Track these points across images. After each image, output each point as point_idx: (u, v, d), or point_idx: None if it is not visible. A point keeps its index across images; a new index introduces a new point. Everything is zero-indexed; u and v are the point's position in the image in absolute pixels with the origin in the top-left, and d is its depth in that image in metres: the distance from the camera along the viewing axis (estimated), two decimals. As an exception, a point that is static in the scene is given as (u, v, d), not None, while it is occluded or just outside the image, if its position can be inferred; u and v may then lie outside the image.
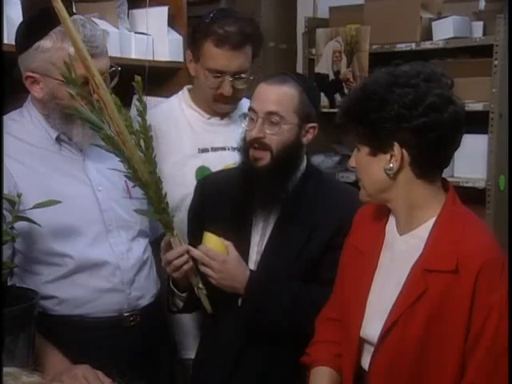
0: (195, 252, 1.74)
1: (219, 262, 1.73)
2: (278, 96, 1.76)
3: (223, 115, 2.21)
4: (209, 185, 1.96)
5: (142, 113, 1.64)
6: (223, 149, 2.18)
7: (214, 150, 2.17)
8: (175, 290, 1.86)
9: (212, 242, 1.76)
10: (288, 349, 1.76)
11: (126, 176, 1.69)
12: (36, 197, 1.58)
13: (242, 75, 2.10)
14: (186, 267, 1.75)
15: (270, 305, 1.76)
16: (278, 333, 1.77)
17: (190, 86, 2.28)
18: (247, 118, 1.81)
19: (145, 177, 1.65)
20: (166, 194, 1.71)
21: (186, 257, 1.74)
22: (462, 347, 1.38)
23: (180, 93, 2.26)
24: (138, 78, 1.64)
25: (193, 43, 2.13)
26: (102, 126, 1.62)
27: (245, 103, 2.24)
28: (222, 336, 1.86)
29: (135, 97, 2.53)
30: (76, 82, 1.59)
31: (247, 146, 1.81)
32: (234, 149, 2.16)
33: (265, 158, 1.78)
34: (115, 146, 1.62)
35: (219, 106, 2.18)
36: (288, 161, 1.81)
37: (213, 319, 1.87)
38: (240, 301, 1.79)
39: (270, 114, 1.76)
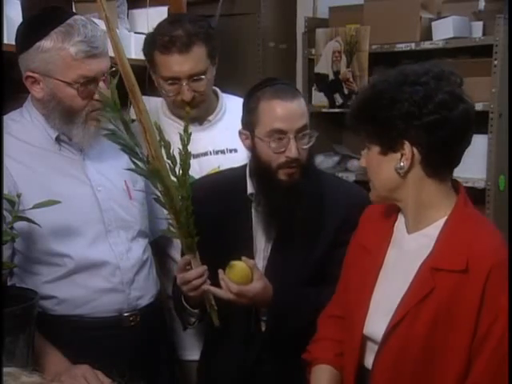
0: (226, 296, 1.70)
1: (249, 297, 1.72)
2: (300, 109, 1.75)
3: (201, 120, 2.18)
4: (202, 190, 1.92)
5: (185, 141, 1.67)
6: (205, 154, 2.15)
7: (195, 156, 2.12)
8: (188, 307, 1.85)
9: (238, 271, 1.72)
10: (300, 359, 1.72)
11: (155, 199, 1.71)
12: (36, 197, 1.58)
13: (201, 77, 2.05)
14: (203, 288, 1.74)
15: (293, 318, 1.77)
16: (296, 342, 1.75)
17: None
18: (271, 141, 1.74)
19: (177, 203, 1.67)
20: (194, 219, 1.70)
21: (204, 277, 1.74)
22: (468, 347, 1.37)
23: (159, 103, 2.22)
24: (188, 109, 1.71)
25: (146, 56, 2.11)
26: (136, 150, 1.64)
27: (227, 101, 2.23)
28: (234, 348, 1.87)
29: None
30: (116, 107, 1.60)
31: (275, 168, 1.76)
32: (216, 152, 2.15)
33: (296, 173, 1.77)
34: (153, 171, 1.64)
35: (184, 112, 2.12)
36: (311, 167, 1.81)
37: (224, 330, 1.85)
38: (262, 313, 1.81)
39: (301, 129, 1.74)
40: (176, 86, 2.06)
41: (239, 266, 1.73)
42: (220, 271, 1.72)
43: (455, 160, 1.48)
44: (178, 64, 2.02)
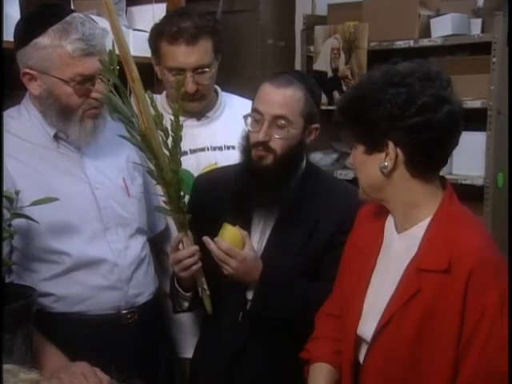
0: (215, 250, 1.72)
1: (238, 261, 1.72)
2: (285, 99, 1.74)
3: (199, 115, 2.18)
4: (206, 183, 1.95)
5: (177, 112, 1.66)
6: (202, 149, 2.16)
7: (193, 151, 2.13)
8: (180, 290, 1.86)
9: (230, 234, 1.74)
10: (289, 346, 1.75)
11: (147, 172, 1.72)
12: (34, 194, 1.58)
13: (205, 69, 2.07)
14: (194, 268, 1.75)
15: (280, 300, 1.76)
16: (283, 328, 1.76)
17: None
18: (251, 119, 1.79)
19: (168, 175, 1.67)
20: (184, 195, 1.72)
21: (195, 257, 1.74)
22: (456, 347, 1.36)
23: (159, 98, 2.22)
24: (177, 77, 1.73)
25: (151, 46, 2.12)
26: (132, 120, 1.64)
27: (227, 99, 2.24)
28: (223, 334, 1.87)
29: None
30: (114, 73, 1.60)
31: (250, 147, 1.79)
32: (214, 148, 2.16)
33: (268, 158, 1.77)
34: (145, 141, 1.64)
35: (187, 104, 2.09)
36: (291, 162, 1.80)
37: (215, 317, 1.86)
38: (250, 294, 1.79)
39: (278, 117, 1.74)
40: (180, 77, 2.06)
41: (233, 229, 1.74)
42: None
43: (441, 161, 1.46)
44: (184, 55, 2.04)
